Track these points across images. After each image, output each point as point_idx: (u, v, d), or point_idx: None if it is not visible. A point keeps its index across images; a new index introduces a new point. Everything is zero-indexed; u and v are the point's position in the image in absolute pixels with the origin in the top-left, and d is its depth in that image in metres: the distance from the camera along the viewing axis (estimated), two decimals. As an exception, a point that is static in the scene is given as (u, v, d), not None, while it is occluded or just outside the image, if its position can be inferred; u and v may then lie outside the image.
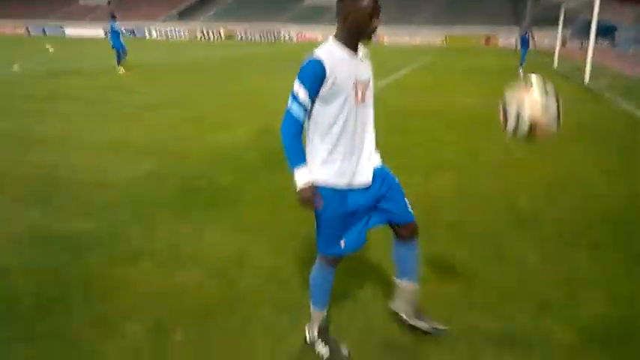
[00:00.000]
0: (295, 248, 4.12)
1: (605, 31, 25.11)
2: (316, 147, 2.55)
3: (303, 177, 2.48)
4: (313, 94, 2.43)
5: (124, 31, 18.40)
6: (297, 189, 2.49)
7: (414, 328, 2.98)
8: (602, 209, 5.11)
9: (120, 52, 18.64)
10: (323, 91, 2.43)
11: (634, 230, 4.61)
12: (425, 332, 2.96)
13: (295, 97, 2.43)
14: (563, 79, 19.17)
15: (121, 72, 18.29)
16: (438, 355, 2.84)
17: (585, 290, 3.52)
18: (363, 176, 2.62)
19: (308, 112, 2.49)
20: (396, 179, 2.77)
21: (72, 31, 67.41)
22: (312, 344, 2.90)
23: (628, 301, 3.39)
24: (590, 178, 6.18)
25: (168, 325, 3.07)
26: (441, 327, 2.99)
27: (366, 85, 2.55)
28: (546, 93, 2.55)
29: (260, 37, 62.61)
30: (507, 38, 54.17)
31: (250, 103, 11.87)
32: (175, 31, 66.40)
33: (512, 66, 23.41)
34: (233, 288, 3.50)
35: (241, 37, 63.18)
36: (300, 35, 61.64)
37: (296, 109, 2.44)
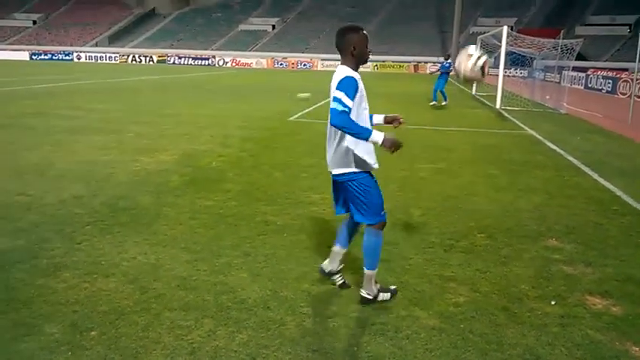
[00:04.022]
0: (206, 260, 4.55)
1: (523, 62, 27.09)
2: (355, 141, 3.51)
3: (379, 134, 3.31)
4: (353, 100, 3.37)
5: None
6: (382, 142, 3.31)
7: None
8: (483, 220, 5.84)
9: None
10: (356, 98, 3.40)
11: (506, 238, 5.33)
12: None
13: (341, 102, 3.33)
14: (479, 105, 20.61)
15: None
16: (322, 343, 3.34)
17: (452, 286, 4.16)
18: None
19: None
20: None
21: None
22: (375, 297, 3.79)
23: (485, 295, 4.04)
24: (479, 194, 6.96)
25: (84, 325, 3.42)
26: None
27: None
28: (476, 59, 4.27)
29: (194, 62, 62.68)
30: (434, 66, 57.25)
31: (175, 129, 12.18)
32: (105, 55, 65.43)
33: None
34: (146, 293, 3.89)
35: (174, 61, 63.00)
36: (234, 61, 62.23)
37: (343, 108, 3.31)
